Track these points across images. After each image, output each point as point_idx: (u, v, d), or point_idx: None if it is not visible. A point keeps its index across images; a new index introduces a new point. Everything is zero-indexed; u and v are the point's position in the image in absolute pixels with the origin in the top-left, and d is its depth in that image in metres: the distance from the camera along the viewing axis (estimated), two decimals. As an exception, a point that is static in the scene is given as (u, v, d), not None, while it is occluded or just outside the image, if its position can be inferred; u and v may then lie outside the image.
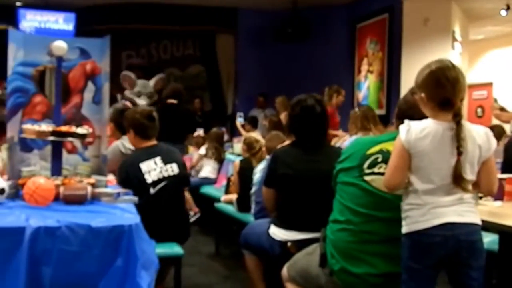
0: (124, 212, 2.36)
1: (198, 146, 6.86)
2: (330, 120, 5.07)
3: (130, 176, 3.22)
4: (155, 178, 3.28)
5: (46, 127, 2.78)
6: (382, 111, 7.34)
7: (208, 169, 6.25)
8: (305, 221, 2.77)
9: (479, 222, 2.08)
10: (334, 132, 5.79)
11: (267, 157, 4.01)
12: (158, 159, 3.34)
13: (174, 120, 5.61)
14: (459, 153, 2.00)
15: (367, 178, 2.30)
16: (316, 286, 2.47)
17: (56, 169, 2.83)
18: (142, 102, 7.71)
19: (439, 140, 2.04)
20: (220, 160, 6.30)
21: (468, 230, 2.03)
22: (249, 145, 4.64)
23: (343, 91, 6.54)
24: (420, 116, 2.29)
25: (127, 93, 7.99)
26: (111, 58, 3.02)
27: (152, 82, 8.20)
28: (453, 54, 7.06)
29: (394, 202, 2.22)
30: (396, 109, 2.45)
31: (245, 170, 4.37)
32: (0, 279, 1.99)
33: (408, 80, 6.51)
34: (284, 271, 2.65)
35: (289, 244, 2.80)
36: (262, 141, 4.56)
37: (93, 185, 2.68)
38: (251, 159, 4.51)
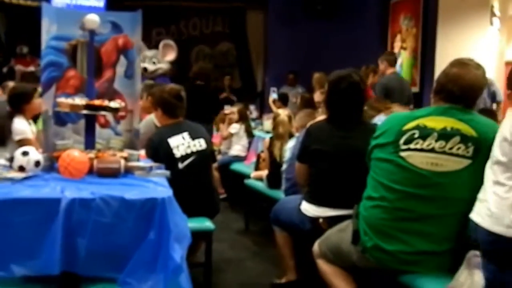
0: (157, 185, 2.37)
1: (221, 123, 6.80)
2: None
3: (158, 152, 3.23)
4: (183, 153, 3.29)
5: (79, 100, 2.80)
6: (415, 89, 7.18)
7: (238, 148, 6.23)
8: (337, 197, 2.74)
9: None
10: None
11: (297, 134, 3.99)
12: (185, 135, 3.35)
13: (201, 102, 5.59)
14: None
15: (403, 154, 2.25)
16: (348, 262, 2.46)
17: (90, 143, 2.86)
18: (145, 65, 7.68)
19: None
20: (250, 134, 6.27)
21: None
22: (273, 121, 4.63)
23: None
24: (460, 90, 2.23)
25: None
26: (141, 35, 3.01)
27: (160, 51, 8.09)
28: (491, 30, 6.83)
29: (431, 179, 2.18)
30: (434, 84, 2.37)
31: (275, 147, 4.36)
32: (37, 249, 2.03)
33: (443, 56, 6.33)
34: (316, 247, 2.63)
35: (320, 220, 2.78)
36: (282, 116, 4.50)
37: (126, 159, 2.70)
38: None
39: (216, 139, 6.44)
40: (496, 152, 1.99)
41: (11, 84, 5.62)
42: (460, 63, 2.31)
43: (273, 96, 7.62)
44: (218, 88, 9.18)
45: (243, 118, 6.37)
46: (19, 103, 3.67)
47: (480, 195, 2.06)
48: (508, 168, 1.92)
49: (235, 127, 6.28)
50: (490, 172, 2.02)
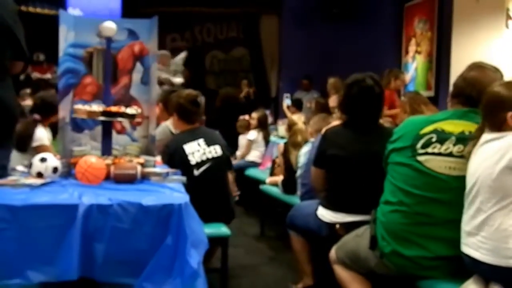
0: (174, 191, 2.38)
1: (245, 129, 6.79)
2: (388, 102, 4.93)
3: (174, 158, 3.24)
4: (199, 160, 3.29)
5: (96, 107, 2.82)
6: (430, 93, 7.13)
7: (255, 154, 6.23)
8: (354, 203, 2.72)
9: None
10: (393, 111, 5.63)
11: (312, 139, 3.98)
12: (201, 141, 3.36)
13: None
14: None
15: (420, 158, 2.23)
16: (365, 268, 2.44)
17: (107, 149, 2.87)
18: (179, 80, 7.74)
19: None
20: (267, 143, 6.28)
21: None
22: (288, 127, 4.64)
23: (402, 75, 6.37)
24: (479, 94, 2.21)
25: (162, 74, 8.05)
26: (155, 41, 3.02)
27: (180, 60, 8.19)
28: (507, 33, 6.76)
29: (450, 183, 2.16)
30: (451, 87, 2.36)
31: (289, 152, 4.35)
32: (55, 255, 2.04)
33: (458, 60, 6.29)
34: (332, 253, 2.62)
35: (337, 226, 2.77)
36: (299, 124, 4.51)
37: (142, 165, 2.71)
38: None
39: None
40: (499, 181, 1.92)
41: (27, 91, 5.67)
42: (478, 67, 2.30)
43: (287, 102, 7.61)
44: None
45: (262, 125, 6.37)
46: (49, 112, 3.68)
47: (467, 228, 2.01)
48: (508, 195, 1.90)
49: (253, 134, 6.27)
50: (481, 202, 1.96)
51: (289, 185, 4.29)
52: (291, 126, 4.61)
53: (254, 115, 6.50)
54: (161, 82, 7.94)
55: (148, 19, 3.08)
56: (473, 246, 1.98)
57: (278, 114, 8.67)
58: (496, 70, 2.30)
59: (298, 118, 4.77)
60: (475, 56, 6.05)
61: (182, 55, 8.29)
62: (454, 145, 2.18)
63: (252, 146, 6.26)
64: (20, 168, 2.65)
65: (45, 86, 5.33)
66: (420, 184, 2.21)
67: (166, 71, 7.92)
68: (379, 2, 8.52)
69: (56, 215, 2.07)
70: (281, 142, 4.92)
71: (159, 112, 4.22)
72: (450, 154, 2.18)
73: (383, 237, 2.28)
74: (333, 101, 6.27)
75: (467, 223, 2.02)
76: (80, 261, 2.03)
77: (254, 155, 6.21)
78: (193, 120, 3.44)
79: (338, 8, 8.50)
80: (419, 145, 2.25)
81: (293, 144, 4.39)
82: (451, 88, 2.39)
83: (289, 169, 4.32)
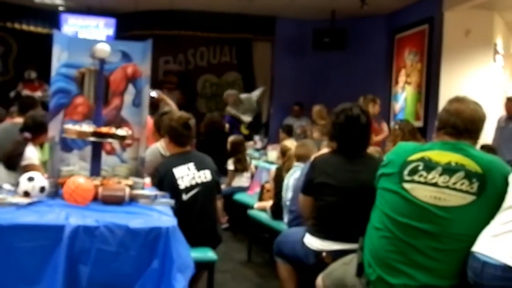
0: (162, 214, 2.37)
1: None
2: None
3: (164, 182, 3.23)
4: (188, 184, 3.28)
5: (87, 127, 2.82)
6: (419, 123, 7.21)
7: (240, 180, 6.15)
8: (342, 231, 2.72)
9: None
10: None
11: (295, 163, 4.00)
12: (191, 165, 3.35)
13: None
14: None
15: (406, 186, 2.25)
16: (352, 297, 2.43)
17: (95, 170, 2.86)
18: (248, 119, 8.11)
19: None
20: (244, 169, 6.13)
21: None
22: (282, 153, 4.64)
23: (379, 100, 6.44)
24: (464, 123, 2.26)
25: (229, 109, 8.23)
26: (148, 63, 3.05)
27: (255, 96, 8.47)
28: (495, 67, 6.90)
29: (434, 213, 2.18)
30: (437, 122, 2.40)
31: (281, 178, 4.35)
32: (39, 276, 2.02)
33: (447, 91, 6.38)
34: (319, 280, 2.61)
35: (324, 254, 2.76)
36: (293, 149, 4.53)
37: (131, 187, 2.70)
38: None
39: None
40: None
41: (15, 109, 5.60)
42: (458, 99, 2.39)
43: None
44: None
45: (234, 151, 6.11)
46: (40, 132, 3.64)
47: (493, 230, 2.06)
48: None
49: (231, 164, 6.07)
50: None
51: (279, 211, 4.28)
52: (284, 152, 4.60)
53: (230, 139, 6.30)
54: None
55: (142, 42, 3.11)
56: (493, 247, 2.01)
57: (269, 139, 8.69)
58: (474, 102, 2.39)
59: (291, 144, 4.77)
60: (463, 88, 6.16)
61: (257, 92, 8.70)
62: (440, 175, 2.21)
63: (234, 174, 6.18)
64: (7, 186, 2.63)
65: (33, 103, 5.23)
66: (405, 212, 2.23)
67: (235, 109, 8.11)
68: (370, 32, 8.65)
69: (42, 235, 2.06)
70: (271, 168, 4.92)
71: (149, 132, 4.22)
72: (435, 184, 2.20)
73: (369, 264, 2.28)
74: (318, 129, 6.34)
75: (498, 226, 2.06)
76: (64, 283, 2.01)
77: (239, 181, 6.11)
78: (185, 143, 3.44)
79: (330, 37, 8.62)
80: (405, 171, 2.27)
81: (287, 169, 4.38)
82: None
83: (279, 194, 4.31)
